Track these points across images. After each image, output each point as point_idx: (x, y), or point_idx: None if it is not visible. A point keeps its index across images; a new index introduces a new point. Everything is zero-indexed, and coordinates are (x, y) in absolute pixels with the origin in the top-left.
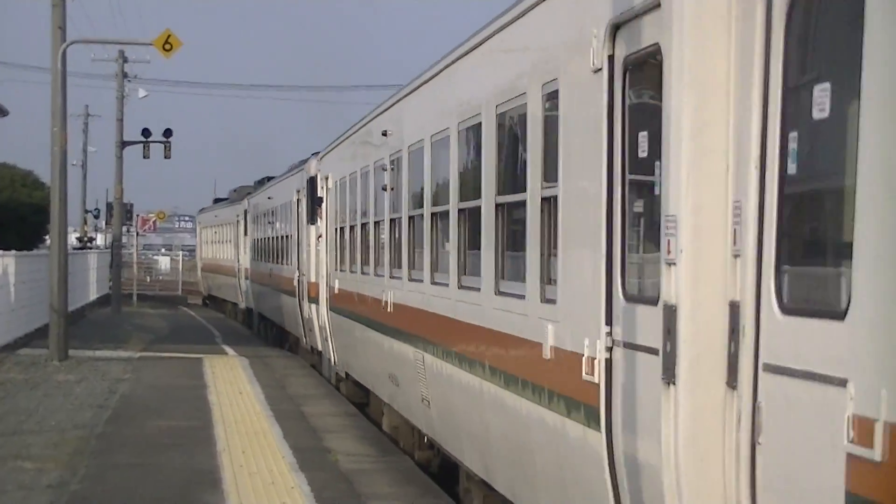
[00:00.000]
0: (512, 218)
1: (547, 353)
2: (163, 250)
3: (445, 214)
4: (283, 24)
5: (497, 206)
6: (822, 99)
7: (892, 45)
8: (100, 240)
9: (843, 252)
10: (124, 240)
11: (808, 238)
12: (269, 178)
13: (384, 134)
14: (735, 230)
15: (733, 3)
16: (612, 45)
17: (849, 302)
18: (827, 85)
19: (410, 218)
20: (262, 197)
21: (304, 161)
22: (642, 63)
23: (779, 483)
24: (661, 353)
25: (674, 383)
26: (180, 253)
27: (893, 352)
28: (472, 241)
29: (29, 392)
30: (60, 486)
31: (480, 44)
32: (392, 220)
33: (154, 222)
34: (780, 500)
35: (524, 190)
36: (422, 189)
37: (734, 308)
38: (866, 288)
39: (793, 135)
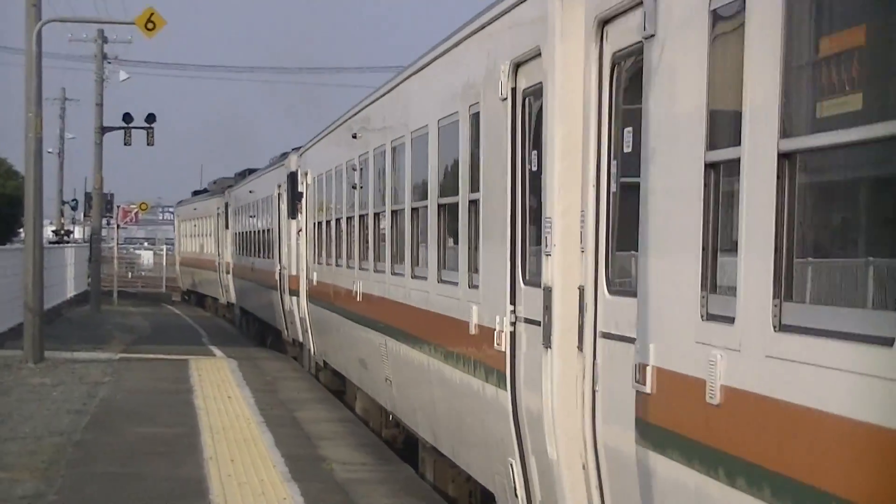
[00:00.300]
0: (450, 217)
1: (472, 330)
2: (145, 244)
3: (403, 212)
4: (274, 2)
5: (439, 206)
6: (628, 138)
7: (656, 107)
8: (78, 233)
9: (637, 249)
10: (104, 233)
11: (623, 238)
12: (251, 171)
13: (354, 136)
14: (581, 232)
15: (586, 58)
16: (514, 79)
17: (634, 282)
18: (631, 128)
19: (376, 215)
20: (243, 190)
21: (285, 155)
22: (534, 96)
23: (607, 417)
24: (542, 324)
25: (550, 347)
26: (164, 247)
27: (655, 318)
28: (423, 236)
29: (1, 397)
30: (36, 497)
31: (427, 65)
32: (361, 217)
33: (136, 214)
34: (608, 430)
35: (457, 193)
36: (384, 189)
37: (581, 290)
38: (643, 274)
39: (614, 162)
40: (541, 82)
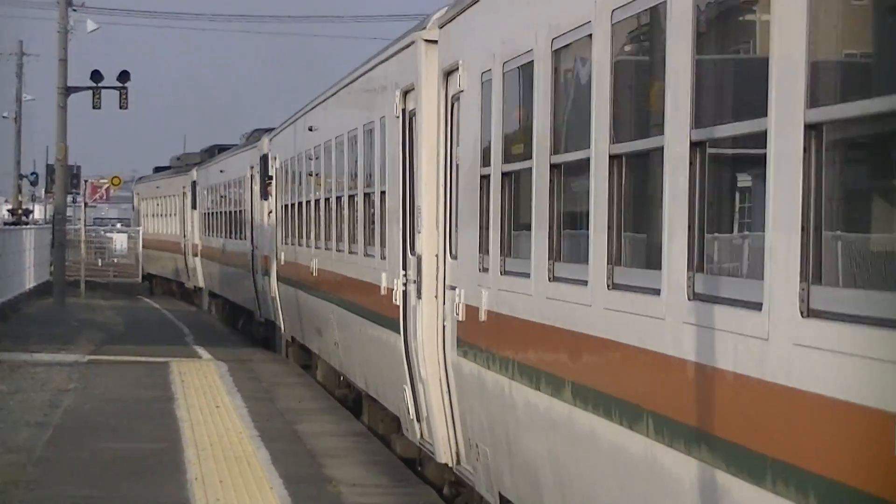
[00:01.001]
0: (371, 204)
1: (383, 291)
2: (118, 225)
3: (342, 199)
4: None
5: (364, 195)
6: (455, 156)
7: (463, 136)
8: (38, 212)
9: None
10: (69, 212)
11: (452, 221)
12: (221, 148)
13: (310, 129)
14: (436, 217)
15: (437, 96)
16: (404, 102)
17: (456, 250)
18: (460, 147)
19: (326, 200)
20: (213, 169)
21: (258, 133)
22: (414, 117)
23: (449, 342)
24: (416, 282)
25: (420, 298)
26: (140, 228)
27: (463, 272)
28: (356, 219)
29: None
30: None
31: (357, 79)
32: (316, 201)
33: (107, 190)
34: (449, 351)
35: (373, 185)
36: (332, 177)
37: (437, 257)
38: (459, 244)
39: (452, 172)
40: (414, 108)
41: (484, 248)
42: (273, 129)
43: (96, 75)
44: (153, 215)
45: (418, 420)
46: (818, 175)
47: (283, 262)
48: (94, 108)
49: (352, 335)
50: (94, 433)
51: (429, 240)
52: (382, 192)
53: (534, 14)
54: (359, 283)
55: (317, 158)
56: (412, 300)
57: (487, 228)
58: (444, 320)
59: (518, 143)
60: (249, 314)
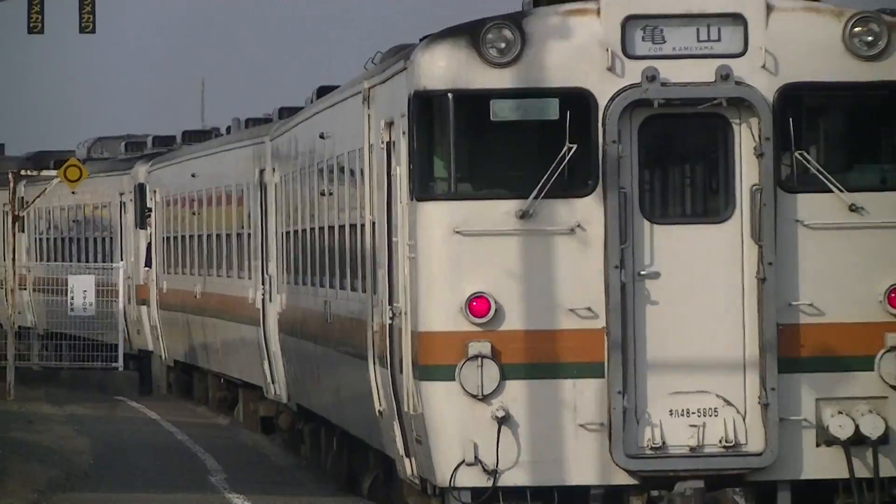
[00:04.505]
0: (241, 241)
1: (249, 300)
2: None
3: (213, 236)
4: None
5: (237, 234)
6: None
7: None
8: None
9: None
10: None
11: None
12: (55, 160)
13: (193, 175)
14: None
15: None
16: (261, 177)
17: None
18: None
19: (200, 236)
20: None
21: (100, 140)
22: (265, 188)
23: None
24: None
25: (271, 301)
26: (120, 265)
27: (279, 284)
28: (220, 253)
29: None
30: None
31: (232, 149)
32: (199, 236)
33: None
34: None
35: (243, 228)
36: (212, 217)
37: (276, 276)
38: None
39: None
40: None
41: (293, 270)
42: (118, 135)
43: None
44: None
45: (273, 382)
46: None
47: (164, 291)
48: (30, 31)
49: (228, 337)
50: None
51: (274, 266)
52: (249, 234)
53: (307, 149)
54: (233, 298)
55: (201, 200)
56: (266, 303)
57: (286, 260)
58: (277, 314)
59: (295, 214)
60: (109, 350)
